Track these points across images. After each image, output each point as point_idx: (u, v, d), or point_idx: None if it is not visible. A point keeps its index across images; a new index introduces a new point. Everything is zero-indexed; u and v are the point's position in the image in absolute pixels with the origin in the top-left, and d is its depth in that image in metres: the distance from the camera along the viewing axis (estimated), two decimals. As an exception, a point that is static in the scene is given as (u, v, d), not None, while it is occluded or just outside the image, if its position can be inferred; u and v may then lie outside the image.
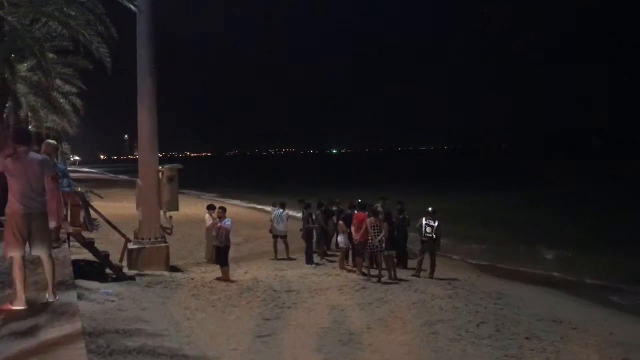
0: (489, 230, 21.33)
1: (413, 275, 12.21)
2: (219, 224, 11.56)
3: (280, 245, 14.35)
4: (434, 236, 12.23)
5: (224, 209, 12.04)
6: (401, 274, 12.48)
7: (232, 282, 11.09)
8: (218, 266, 11.50)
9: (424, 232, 12.32)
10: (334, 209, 14.94)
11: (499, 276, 13.95)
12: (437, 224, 12.25)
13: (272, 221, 14.45)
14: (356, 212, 13.03)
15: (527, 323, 8.73)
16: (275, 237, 14.39)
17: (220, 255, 11.44)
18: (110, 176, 79.85)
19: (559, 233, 20.10)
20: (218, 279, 11.19)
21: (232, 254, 13.91)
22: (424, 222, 12.36)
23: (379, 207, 13.84)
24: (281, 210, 14.49)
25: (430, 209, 12.55)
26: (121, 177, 76.30)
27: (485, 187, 43.23)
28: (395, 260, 12.40)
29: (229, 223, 11.64)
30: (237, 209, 28.87)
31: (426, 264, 12.29)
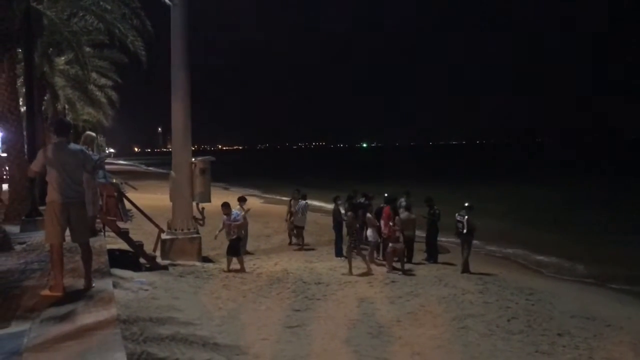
0: (523, 225, 21.04)
1: (462, 272, 11.99)
2: (227, 222, 11.31)
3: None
4: (465, 231, 12.12)
5: (226, 205, 11.66)
6: (430, 268, 12.43)
7: (240, 271, 11.04)
8: (249, 257, 11.51)
9: (456, 227, 12.29)
10: (361, 201, 14.90)
11: (531, 271, 13.76)
12: (466, 218, 12.11)
13: (294, 213, 14.80)
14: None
15: (559, 319, 8.59)
16: (297, 227, 14.85)
17: (231, 246, 11.31)
18: (134, 168, 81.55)
19: (595, 228, 19.70)
20: (236, 270, 11.14)
21: (262, 245, 14.02)
22: (457, 217, 12.30)
23: (402, 201, 13.81)
24: (304, 202, 14.80)
25: (466, 204, 12.41)
26: (143, 167, 78.17)
27: (518, 181, 42.59)
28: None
29: (239, 218, 11.47)
30: (263, 201, 29.15)
31: (457, 259, 12.19)
